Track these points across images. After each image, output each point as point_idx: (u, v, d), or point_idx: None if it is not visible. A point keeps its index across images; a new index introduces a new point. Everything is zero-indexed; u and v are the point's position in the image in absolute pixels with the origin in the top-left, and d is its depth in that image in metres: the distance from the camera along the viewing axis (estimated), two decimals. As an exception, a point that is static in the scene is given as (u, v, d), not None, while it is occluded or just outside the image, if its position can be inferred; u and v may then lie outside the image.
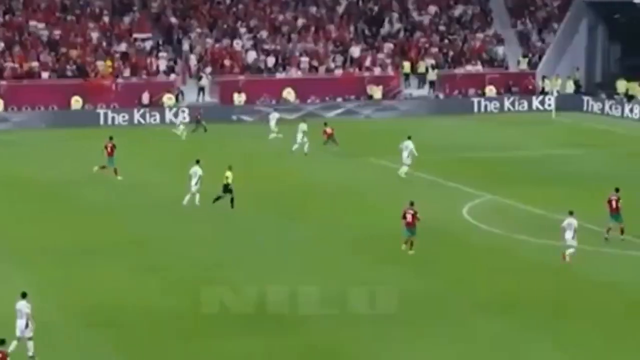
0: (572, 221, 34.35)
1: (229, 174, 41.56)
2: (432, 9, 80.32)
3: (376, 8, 79.73)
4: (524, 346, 27.18)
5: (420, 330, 28.06)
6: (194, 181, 42.00)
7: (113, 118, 66.60)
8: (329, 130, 56.03)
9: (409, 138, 48.95)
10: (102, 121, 66.25)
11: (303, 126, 55.33)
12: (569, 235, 34.33)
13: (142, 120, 66.95)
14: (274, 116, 60.25)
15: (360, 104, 70.95)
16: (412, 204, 35.77)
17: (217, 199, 41.62)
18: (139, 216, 41.44)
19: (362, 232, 38.38)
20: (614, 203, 37.32)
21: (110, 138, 48.53)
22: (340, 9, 78.99)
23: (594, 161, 53.80)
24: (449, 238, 37.08)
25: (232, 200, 41.49)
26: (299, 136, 54.73)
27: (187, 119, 62.11)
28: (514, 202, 43.46)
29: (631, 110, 69.85)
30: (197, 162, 42.61)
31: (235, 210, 41.26)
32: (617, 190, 37.80)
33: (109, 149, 47.82)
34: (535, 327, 28.44)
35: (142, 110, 67.21)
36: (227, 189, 41.45)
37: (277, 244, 36.91)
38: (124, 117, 66.71)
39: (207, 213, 41.12)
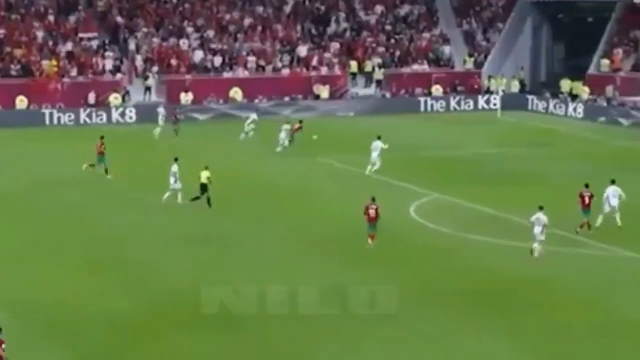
0: (540, 216, 34.71)
1: (206, 173, 41.66)
2: (379, 8, 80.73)
3: (323, 8, 79.97)
4: (467, 344, 27.38)
5: (366, 329, 28.09)
6: (172, 179, 42.10)
7: (59, 118, 66.25)
8: (295, 126, 56.17)
9: (379, 138, 49.28)
10: (47, 121, 65.89)
11: (286, 126, 55.50)
12: (537, 230, 34.66)
13: (88, 120, 66.63)
14: (252, 117, 59.99)
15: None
16: (373, 199, 36.18)
17: (208, 200, 41.60)
18: (95, 216, 41.14)
19: (309, 232, 38.51)
20: (586, 199, 37.71)
21: (101, 138, 48.56)
22: (287, 9, 79.13)
23: (539, 160, 54.34)
24: (396, 237, 37.23)
25: (208, 199, 41.51)
26: (282, 135, 54.86)
27: (162, 120, 61.07)
28: (461, 200, 43.80)
29: (575, 110, 70.70)
30: (176, 159, 42.64)
31: (190, 209, 41.22)
32: (586, 186, 38.16)
33: (99, 148, 47.90)
34: (481, 324, 28.68)
35: (88, 110, 66.91)
36: (204, 188, 41.52)
37: (236, 243, 36.95)
38: (69, 116, 66.36)
39: (169, 213, 41.05)
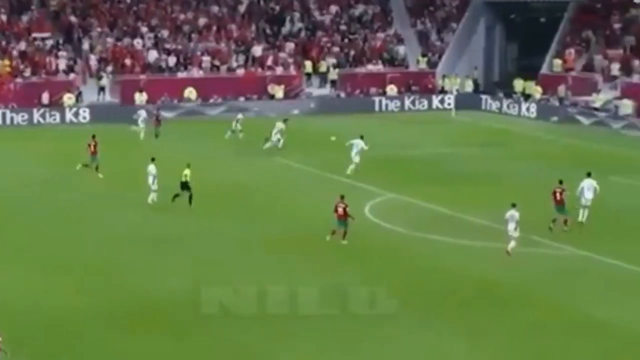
0: (514, 213, 34.88)
1: (187, 171, 41.55)
2: (333, 8, 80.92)
3: (277, 7, 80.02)
4: (423, 343, 27.56)
5: (321, 329, 28.14)
6: (150, 179, 41.92)
7: (12, 118, 65.82)
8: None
9: (362, 137, 49.34)
10: (0, 121, 65.39)
11: (280, 125, 55.53)
12: (511, 227, 34.88)
13: (41, 120, 66.25)
14: (239, 117, 59.76)
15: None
16: (342, 197, 36.51)
17: (176, 196, 41.57)
18: (52, 217, 40.91)
19: (268, 232, 38.57)
20: (558, 195, 37.85)
21: (93, 136, 48.35)
22: (242, 8, 79.11)
23: (493, 160, 54.64)
24: (353, 237, 37.31)
25: (190, 197, 41.50)
26: (274, 134, 54.85)
27: (143, 122, 60.44)
28: (415, 200, 43.99)
29: (527, 109, 71.29)
30: (153, 160, 42.33)
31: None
32: (560, 182, 38.31)
33: (92, 148, 47.73)
34: (438, 324, 28.86)
35: (41, 110, 66.49)
36: (185, 186, 41.50)
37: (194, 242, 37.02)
38: (23, 117, 65.94)
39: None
